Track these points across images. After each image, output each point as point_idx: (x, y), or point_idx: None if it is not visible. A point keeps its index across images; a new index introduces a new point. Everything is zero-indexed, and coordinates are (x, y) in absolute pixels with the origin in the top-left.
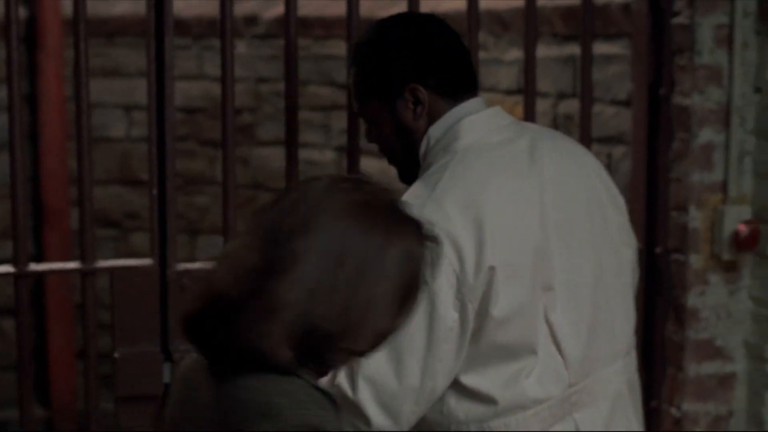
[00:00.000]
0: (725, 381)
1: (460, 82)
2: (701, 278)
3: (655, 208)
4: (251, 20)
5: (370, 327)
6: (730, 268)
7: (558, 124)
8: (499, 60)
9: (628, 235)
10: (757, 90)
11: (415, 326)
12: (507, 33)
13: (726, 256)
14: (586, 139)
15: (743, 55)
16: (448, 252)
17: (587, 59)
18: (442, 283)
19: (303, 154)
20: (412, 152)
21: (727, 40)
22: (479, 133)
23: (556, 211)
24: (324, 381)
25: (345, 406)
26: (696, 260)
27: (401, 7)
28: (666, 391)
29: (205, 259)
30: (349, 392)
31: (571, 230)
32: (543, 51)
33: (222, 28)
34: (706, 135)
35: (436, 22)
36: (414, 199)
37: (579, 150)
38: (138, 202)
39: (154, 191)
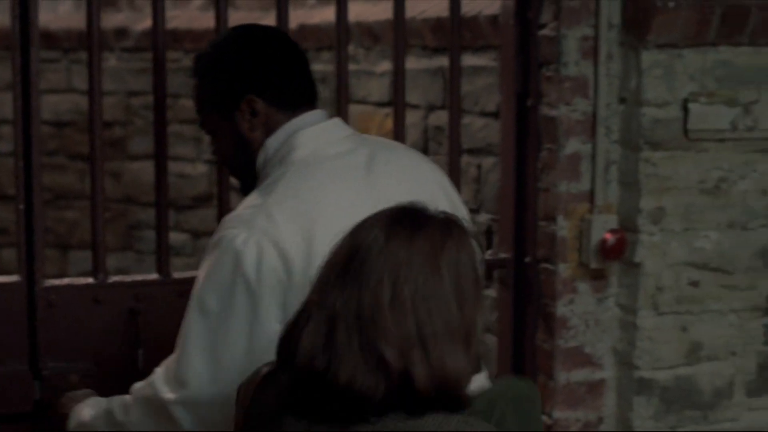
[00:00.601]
0: (595, 388)
1: (298, 95)
2: (569, 287)
3: (523, 218)
4: (121, 33)
5: None
6: (598, 277)
7: (428, 136)
8: (370, 72)
9: None
10: (622, 100)
11: (236, 334)
12: (377, 45)
13: (593, 264)
14: (455, 151)
15: (608, 67)
16: (275, 263)
17: (456, 71)
18: (266, 294)
19: (174, 167)
20: (250, 164)
21: (592, 51)
22: (316, 144)
23: None
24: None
25: (151, 406)
26: (564, 269)
27: (272, 19)
28: None
29: (77, 274)
30: (162, 392)
31: None
32: (413, 63)
33: (89, 41)
34: (573, 145)
35: (275, 34)
36: (246, 209)
37: (419, 162)
38: (6, 217)
39: (21, 206)
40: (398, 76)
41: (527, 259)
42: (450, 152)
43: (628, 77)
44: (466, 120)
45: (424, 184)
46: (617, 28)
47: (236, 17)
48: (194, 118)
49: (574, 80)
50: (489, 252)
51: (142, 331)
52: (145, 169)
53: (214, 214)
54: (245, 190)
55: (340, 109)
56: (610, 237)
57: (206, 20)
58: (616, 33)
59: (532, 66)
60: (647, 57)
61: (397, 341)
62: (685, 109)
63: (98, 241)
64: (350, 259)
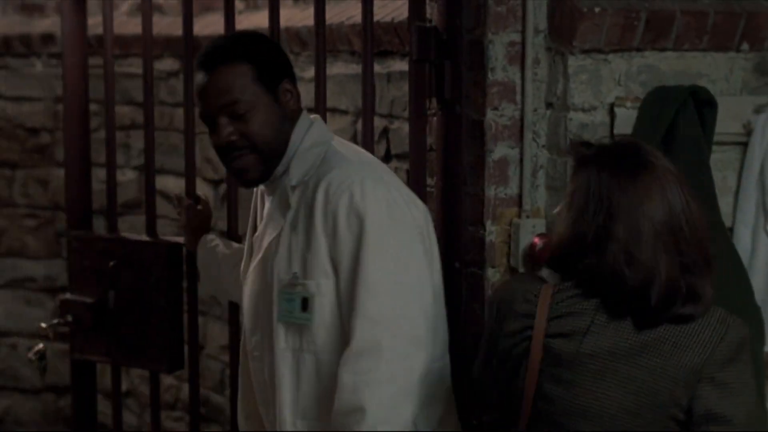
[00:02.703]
0: None
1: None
2: None
3: (452, 223)
4: (48, 38)
5: None
6: None
7: (357, 140)
8: (299, 77)
9: None
10: (549, 105)
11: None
12: (305, 50)
13: (522, 269)
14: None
15: (535, 72)
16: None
17: (368, 75)
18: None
19: (103, 173)
20: (283, 144)
21: (519, 57)
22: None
23: None
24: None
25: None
26: (493, 274)
27: (207, 22)
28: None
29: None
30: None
31: None
32: (341, 68)
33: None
34: (501, 150)
35: None
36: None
37: None
38: None
39: None
40: (320, 81)
41: (456, 265)
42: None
43: (555, 82)
44: (395, 125)
45: None
46: (544, 33)
47: (161, 24)
48: (123, 123)
49: (501, 85)
50: None
51: None
52: None
53: (142, 220)
54: (258, 176)
55: None
56: (538, 241)
57: (134, 26)
58: (542, 38)
59: (460, 71)
60: (573, 62)
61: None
62: (612, 114)
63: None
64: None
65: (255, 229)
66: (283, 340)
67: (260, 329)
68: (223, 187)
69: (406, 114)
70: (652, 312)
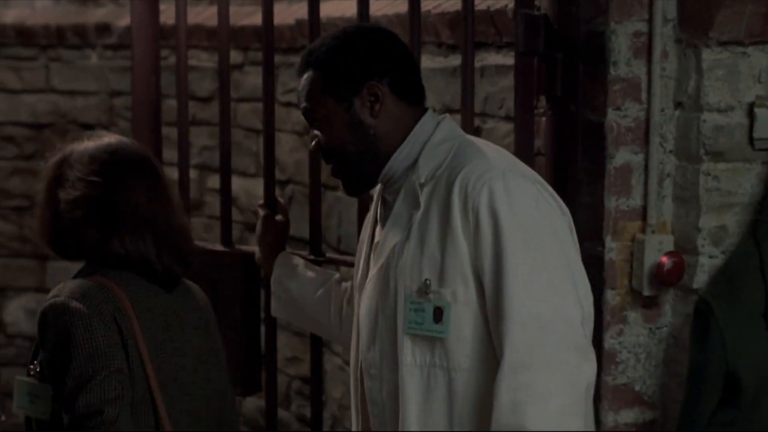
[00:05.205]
0: (646, 430)
1: (420, 89)
2: (618, 316)
3: None
4: (103, 29)
5: None
6: (651, 305)
7: None
8: None
9: None
10: (678, 105)
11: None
12: None
13: (646, 291)
14: None
15: (663, 66)
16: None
17: (468, 69)
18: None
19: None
20: (367, 152)
21: (645, 49)
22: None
23: None
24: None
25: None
26: (613, 297)
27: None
28: None
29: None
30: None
31: None
32: (427, 62)
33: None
34: (623, 156)
35: (392, 33)
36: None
37: None
38: None
39: None
40: None
41: None
42: None
43: (686, 78)
44: (489, 124)
45: None
46: (673, 22)
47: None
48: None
49: (624, 82)
50: None
51: None
52: None
53: (201, 223)
54: (356, 184)
55: None
56: (666, 260)
57: (194, 16)
58: (672, 28)
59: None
60: (708, 55)
61: None
62: (751, 115)
63: None
64: None
65: (373, 237)
66: (409, 354)
67: (378, 344)
68: (290, 188)
69: (501, 113)
70: None
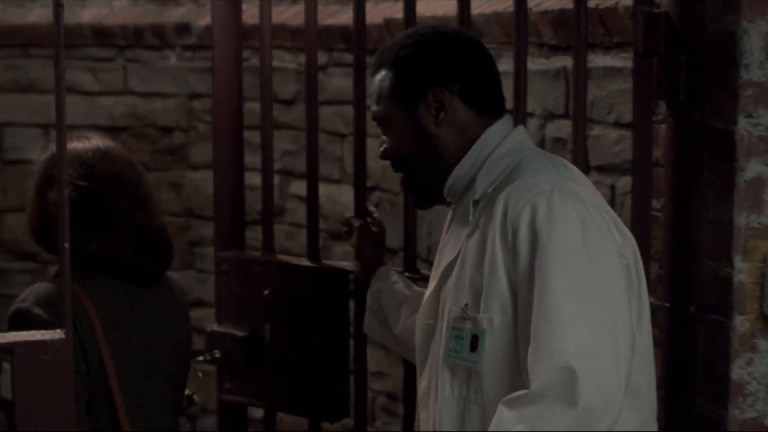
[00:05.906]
0: None
1: (494, 98)
2: (748, 344)
3: (685, 257)
4: (182, 29)
5: None
6: None
7: (546, 148)
8: None
9: None
10: None
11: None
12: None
13: None
14: (580, 166)
15: None
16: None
17: (581, 72)
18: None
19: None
20: (431, 162)
21: None
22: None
23: None
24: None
25: None
26: (742, 323)
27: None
28: None
29: None
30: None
31: None
32: (528, 63)
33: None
34: (755, 168)
35: (470, 36)
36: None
37: None
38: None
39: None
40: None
41: (692, 309)
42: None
43: None
44: (595, 131)
45: None
46: None
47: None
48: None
49: (757, 86)
50: None
51: None
52: (208, 180)
53: (282, 230)
54: (423, 196)
55: None
56: None
57: (275, 15)
58: None
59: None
60: None
61: None
62: None
63: None
64: None
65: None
66: (448, 386)
67: (428, 373)
68: (376, 194)
69: (609, 119)
70: None
